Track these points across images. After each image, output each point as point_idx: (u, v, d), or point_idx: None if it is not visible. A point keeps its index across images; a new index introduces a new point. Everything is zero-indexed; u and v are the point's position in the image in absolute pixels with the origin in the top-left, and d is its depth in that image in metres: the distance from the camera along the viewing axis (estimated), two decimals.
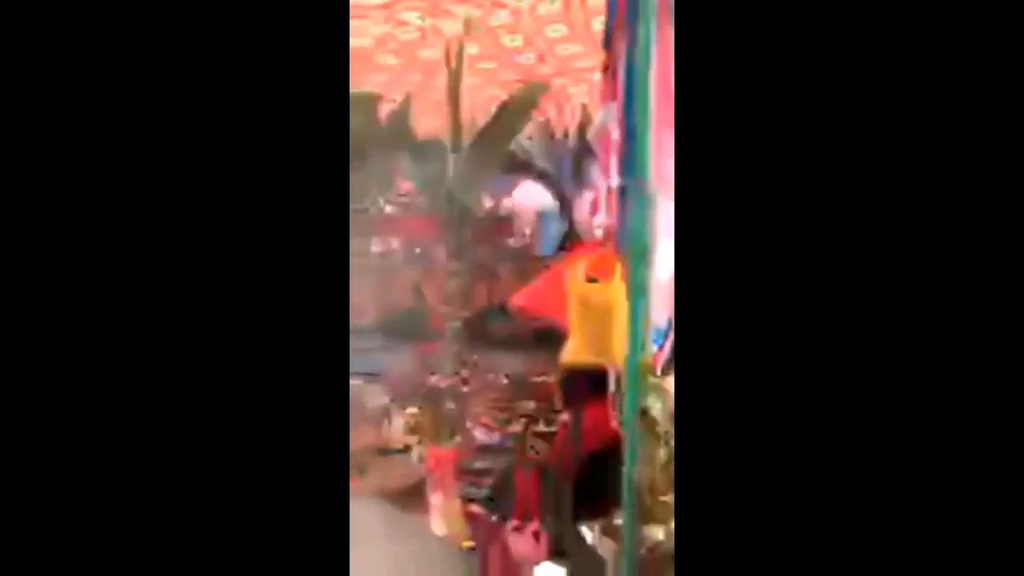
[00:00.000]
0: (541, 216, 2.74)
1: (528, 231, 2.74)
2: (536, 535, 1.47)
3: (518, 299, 1.80)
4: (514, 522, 1.52)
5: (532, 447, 2.11)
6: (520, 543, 1.43)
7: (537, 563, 1.33)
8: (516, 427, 2.36)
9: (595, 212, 1.74)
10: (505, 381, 2.66)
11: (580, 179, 2.34)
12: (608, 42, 1.39)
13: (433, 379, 2.53)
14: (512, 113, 2.01)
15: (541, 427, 2.31)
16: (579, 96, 3.35)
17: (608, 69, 1.38)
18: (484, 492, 1.83)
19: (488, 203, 2.33)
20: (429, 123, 2.45)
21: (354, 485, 2.12)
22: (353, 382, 2.47)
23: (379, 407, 2.36)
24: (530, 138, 2.38)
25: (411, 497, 1.91)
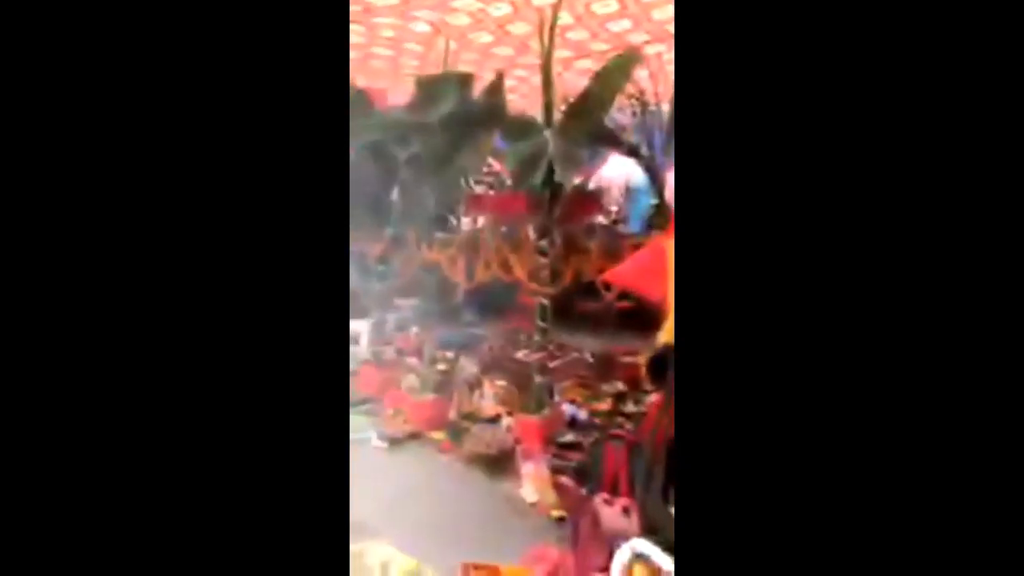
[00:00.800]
0: (631, 191, 2.67)
1: (615, 208, 2.68)
2: (626, 510, 1.47)
3: (612, 275, 1.77)
4: (604, 495, 1.54)
5: (620, 425, 2.10)
6: (612, 517, 1.45)
7: (628, 538, 1.34)
8: (603, 405, 2.36)
9: None
10: (591, 359, 2.66)
11: (673, 152, 2.24)
12: None
13: (520, 354, 2.59)
14: (603, 86, 1.94)
15: (630, 406, 2.30)
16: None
17: None
18: (573, 464, 1.86)
19: (577, 179, 2.30)
20: (521, 100, 2.45)
21: (448, 450, 2.23)
22: (448, 354, 2.60)
23: (470, 377, 2.47)
24: (622, 110, 2.31)
25: (501, 464, 1.98)
